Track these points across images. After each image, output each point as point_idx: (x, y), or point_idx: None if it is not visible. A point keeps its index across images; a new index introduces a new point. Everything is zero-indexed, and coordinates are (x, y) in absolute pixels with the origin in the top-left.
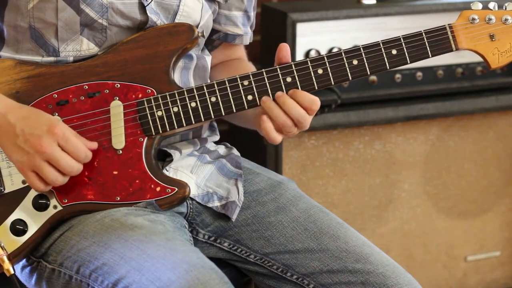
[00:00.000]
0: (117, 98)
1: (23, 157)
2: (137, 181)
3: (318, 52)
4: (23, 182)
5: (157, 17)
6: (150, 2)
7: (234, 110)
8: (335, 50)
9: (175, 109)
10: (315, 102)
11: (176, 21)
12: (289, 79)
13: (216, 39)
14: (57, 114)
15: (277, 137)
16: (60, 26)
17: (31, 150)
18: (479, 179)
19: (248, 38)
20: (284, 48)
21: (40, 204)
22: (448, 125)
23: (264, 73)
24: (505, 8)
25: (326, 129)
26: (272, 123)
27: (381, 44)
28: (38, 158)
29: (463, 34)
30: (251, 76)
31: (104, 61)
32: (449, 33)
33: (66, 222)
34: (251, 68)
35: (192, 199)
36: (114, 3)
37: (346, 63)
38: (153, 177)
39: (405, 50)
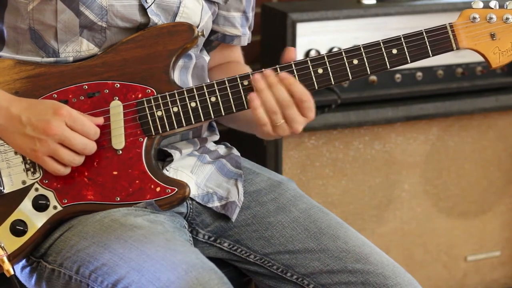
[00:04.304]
0: (117, 98)
1: (36, 145)
2: (137, 181)
3: (318, 52)
4: (23, 182)
5: (158, 19)
6: (151, 4)
7: (234, 110)
8: (335, 50)
9: (175, 109)
10: (295, 87)
11: None
12: None
13: (214, 40)
14: None
15: (265, 119)
16: (60, 28)
17: (42, 136)
18: (479, 179)
19: (246, 39)
20: (289, 52)
21: (40, 205)
22: (448, 125)
23: None
24: (506, 7)
25: (326, 129)
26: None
27: (381, 44)
28: (51, 141)
29: (464, 33)
30: (251, 76)
31: (104, 61)
32: (449, 32)
33: (66, 222)
34: (247, 71)
35: (192, 199)
36: (114, 5)
37: (346, 63)
38: (153, 177)
39: (406, 50)
